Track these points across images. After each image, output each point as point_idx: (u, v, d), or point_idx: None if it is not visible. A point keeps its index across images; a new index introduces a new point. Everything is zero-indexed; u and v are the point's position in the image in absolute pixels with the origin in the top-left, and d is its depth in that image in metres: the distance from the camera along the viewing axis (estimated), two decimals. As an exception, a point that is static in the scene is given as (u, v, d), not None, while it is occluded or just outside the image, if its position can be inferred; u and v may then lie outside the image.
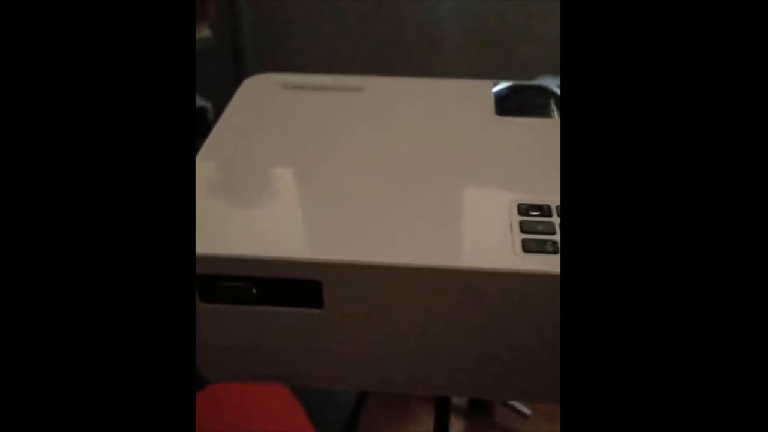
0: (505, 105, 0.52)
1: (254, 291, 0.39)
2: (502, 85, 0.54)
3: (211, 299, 0.40)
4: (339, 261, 0.38)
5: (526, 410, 1.31)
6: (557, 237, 0.39)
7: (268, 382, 0.45)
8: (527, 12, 1.46)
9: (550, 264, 0.37)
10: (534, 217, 0.40)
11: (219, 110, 1.35)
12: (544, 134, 0.49)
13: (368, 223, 0.40)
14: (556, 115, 0.51)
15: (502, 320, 0.39)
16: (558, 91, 0.54)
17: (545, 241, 0.38)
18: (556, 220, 0.40)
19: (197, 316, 0.40)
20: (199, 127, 1.31)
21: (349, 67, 1.54)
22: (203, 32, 1.42)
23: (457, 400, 1.35)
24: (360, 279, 0.38)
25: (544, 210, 0.41)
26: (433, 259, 0.37)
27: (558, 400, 0.41)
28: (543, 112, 0.51)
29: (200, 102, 1.46)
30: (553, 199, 0.41)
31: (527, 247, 0.38)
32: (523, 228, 0.39)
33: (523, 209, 0.41)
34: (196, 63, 1.31)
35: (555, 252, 0.38)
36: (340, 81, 0.55)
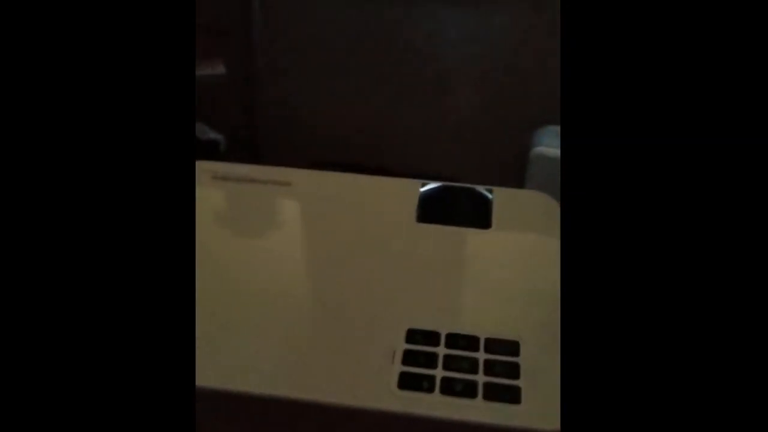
0: (429, 210, 0.51)
1: None
2: (431, 186, 0.53)
3: None
4: (205, 387, 0.37)
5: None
6: (436, 372, 0.37)
7: None
8: (538, 51, 1.45)
9: (423, 405, 0.36)
10: (419, 346, 0.39)
11: (231, 143, 1.35)
12: (463, 246, 0.48)
13: (246, 341, 0.39)
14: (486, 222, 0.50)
15: None
16: (488, 196, 0.53)
17: (422, 377, 0.37)
18: (441, 350, 0.39)
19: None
20: (212, 159, 1.33)
21: (358, 106, 1.55)
22: (218, 69, 1.45)
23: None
24: (226, 406, 0.37)
25: (432, 338, 0.39)
26: (302, 392, 0.36)
27: None
28: (469, 219, 0.50)
29: (213, 135, 1.48)
30: (450, 324, 0.40)
31: (403, 382, 0.37)
32: (405, 359, 0.38)
33: (411, 336, 0.40)
34: (211, 97, 1.31)
35: (429, 390, 0.36)
36: (269, 173, 0.54)
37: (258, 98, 1.54)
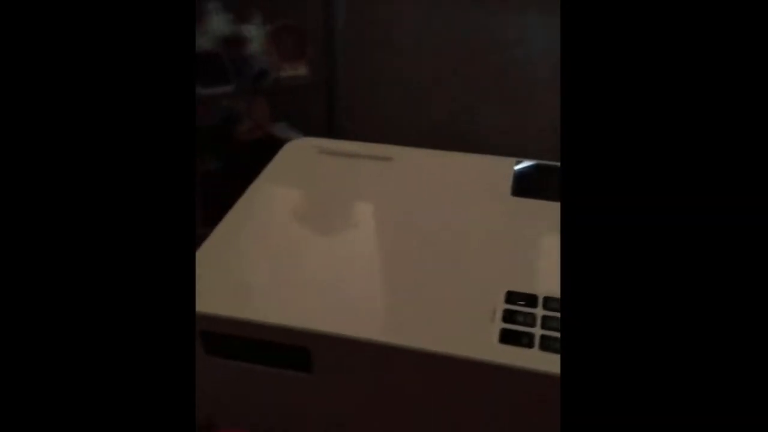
0: (523, 185, 0.53)
1: (251, 349, 0.43)
2: (525, 164, 0.56)
3: (213, 353, 0.44)
4: (326, 332, 0.41)
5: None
6: (535, 330, 0.40)
7: None
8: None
9: (523, 358, 0.38)
10: (519, 307, 0.42)
11: None
12: (557, 218, 0.50)
13: (362, 297, 0.43)
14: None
15: (470, 409, 0.40)
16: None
17: (522, 334, 0.40)
18: (539, 311, 0.41)
19: (201, 368, 0.44)
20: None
21: (440, 110, 1.56)
22: (301, 70, 1.49)
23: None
24: (344, 351, 0.41)
25: (530, 300, 0.42)
26: (412, 341, 0.40)
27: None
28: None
29: (293, 134, 1.54)
30: (546, 288, 0.43)
31: (504, 337, 0.39)
32: (505, 317, 0.41)
33: (511, 297, 0.42)
34: (294, 99, 1.35)
35: (529, 346, 0.39)
36: (372, 149, 0.58)
37: (339, 99, 1.58)
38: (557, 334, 0.40)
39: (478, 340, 0.40)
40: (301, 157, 0.58)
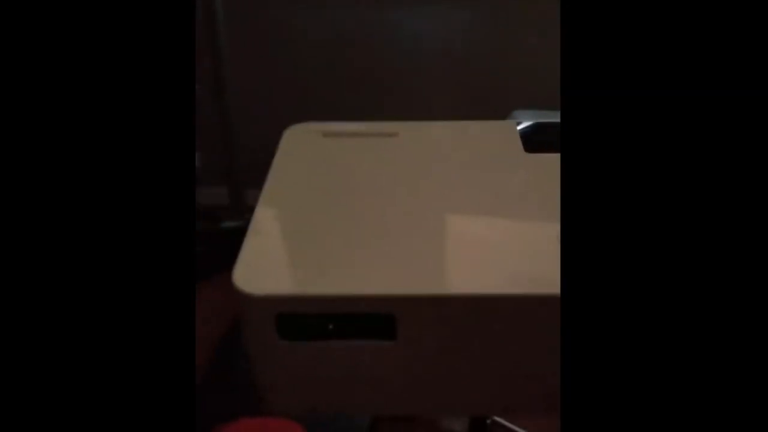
0: (533, 142, 0.56)
1: (331, 327, 0.42)
2: (525, 124, 0.58)
3: (290, 337, 0.43)
4: (414, 294, 0.41)
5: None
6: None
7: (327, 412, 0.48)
8: (511, 42, 1.53)
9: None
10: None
11: (207, 157, 1.34)
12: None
13: (432, 256, 0.44)
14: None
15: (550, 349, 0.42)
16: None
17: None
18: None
19: (276, 354, 0.43)
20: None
21: (332, 111, 1.58)
22: None
23: (456, 426, 1.37)
24: (431, 311, 0.41)
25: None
26: (498, 288, 0.41)
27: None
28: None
29: None
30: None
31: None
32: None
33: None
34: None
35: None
36: (374, 127, 0.59)
37: (229, 110, 1.55)
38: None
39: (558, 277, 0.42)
40: (307, 142, 0.57)
